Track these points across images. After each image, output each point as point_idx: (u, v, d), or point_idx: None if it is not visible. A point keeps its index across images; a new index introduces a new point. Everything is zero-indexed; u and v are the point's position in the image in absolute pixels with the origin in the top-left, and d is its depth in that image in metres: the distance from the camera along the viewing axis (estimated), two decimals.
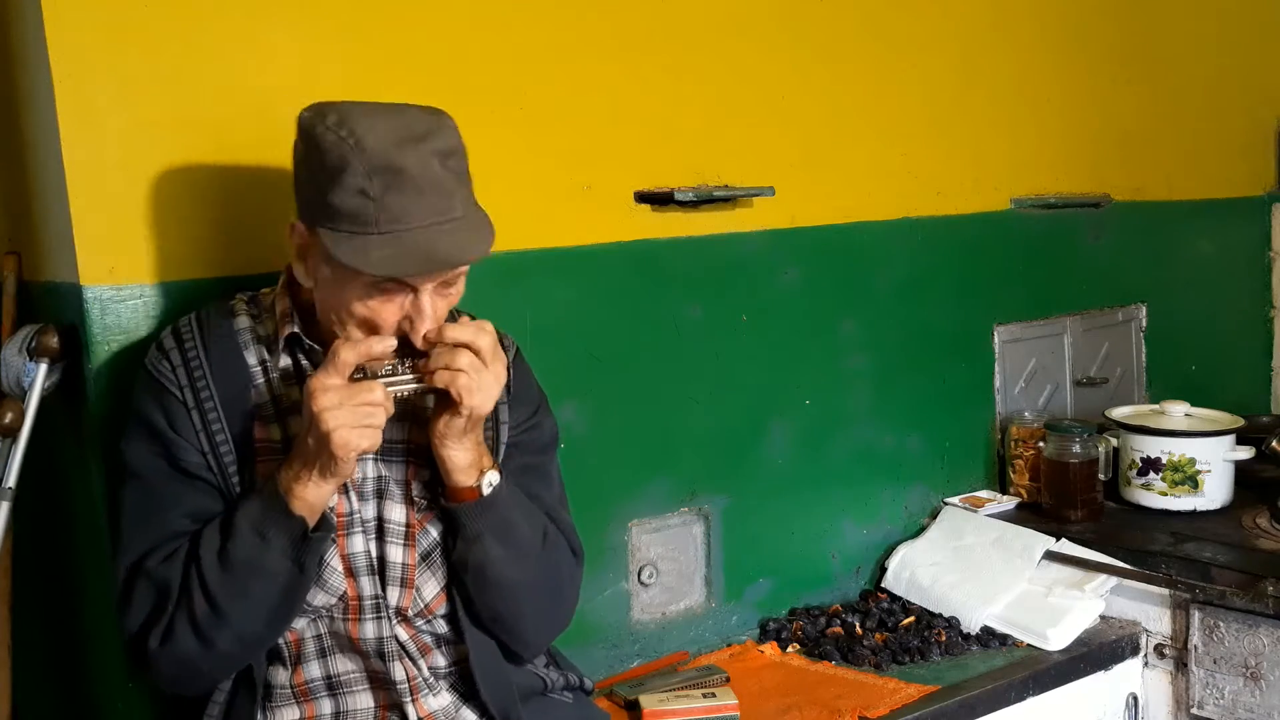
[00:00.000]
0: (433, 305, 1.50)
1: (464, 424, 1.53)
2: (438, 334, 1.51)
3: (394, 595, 1.61)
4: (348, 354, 1.46)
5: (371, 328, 1.50)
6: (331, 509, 1.56)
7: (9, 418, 1.81)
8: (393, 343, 1.49)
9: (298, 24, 1.87)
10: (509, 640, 1.69)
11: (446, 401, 1.53)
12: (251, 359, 1.62)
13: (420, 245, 1.44)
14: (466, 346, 1.50)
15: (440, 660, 1.66)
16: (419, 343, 1.50)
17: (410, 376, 1.51)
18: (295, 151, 1.52)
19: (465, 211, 1.49)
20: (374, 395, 1.46)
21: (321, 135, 1.46)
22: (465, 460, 1.56)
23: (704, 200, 2.28)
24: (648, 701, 2.07)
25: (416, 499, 1.63)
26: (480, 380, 1.51)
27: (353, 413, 1.45)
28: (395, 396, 1.50)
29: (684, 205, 2.26)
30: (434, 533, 1.63)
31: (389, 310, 1.49)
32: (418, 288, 1.48)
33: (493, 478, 1.59)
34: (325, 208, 1.46)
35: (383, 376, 1.49)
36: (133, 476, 1.59)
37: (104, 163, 1.73)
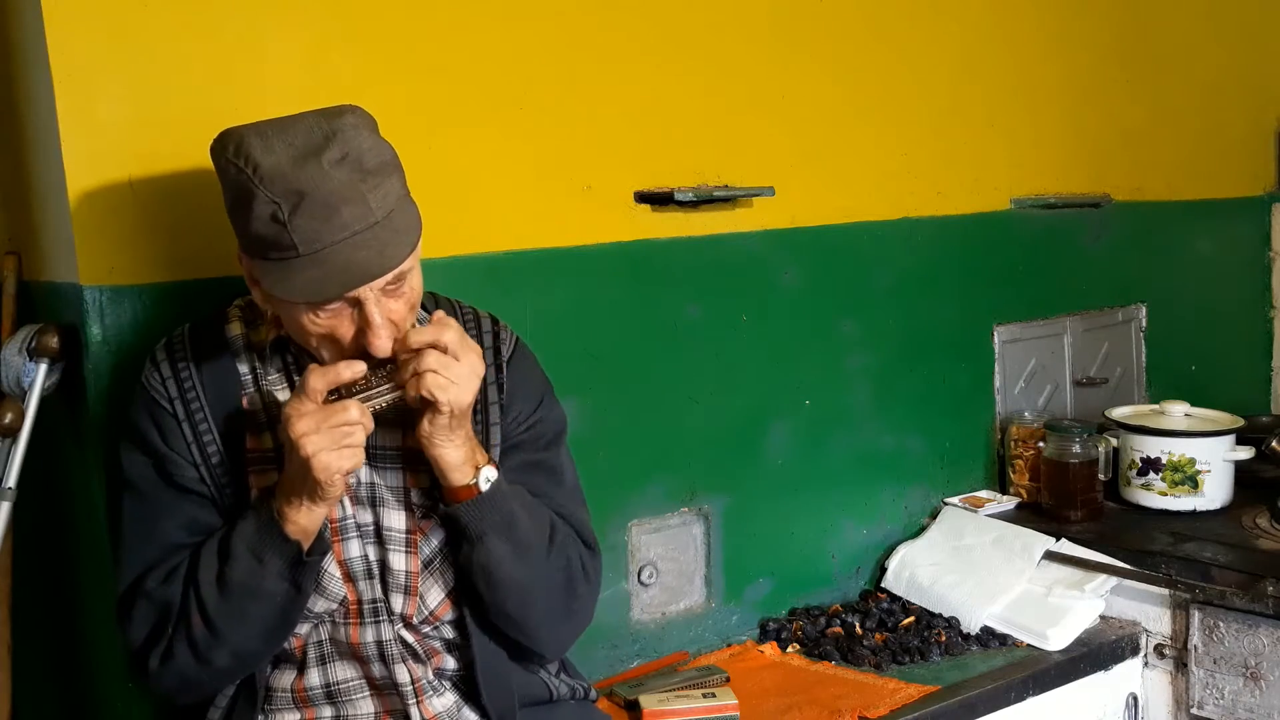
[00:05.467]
0: (383, 311, 1.46)
1: (446, 420, 1.50)
2: (401, 344, 1.48)
3: (398, 602, 1.60)
4: (316, 381, 1.44)
5: (335, 344, 1.49)
6: (325, 520, 1.55)
7: (9, 418, 1.81)
8: (361, 367, 1.46)
9: (299, 25, 1.87)
10: (525, 641, 1.66)
11: (427, 402, 1.50)
12: (243, 367, 1.61)
13: (340, 263, 1.41)
14: (432, 346, 1.48)
15: (450, 663, 1.66)
16: (375, 352, 1.46)
17: (387, 386, 1.48)
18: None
19: (386, 211, 1.44)
20: (349, 415, 1.44)
21: (225, 168, 1.45)
22: (458, 458, 1.54)
23: (704, 200, 2.28)
24: (648, 701, 2.07)
25: (416, 505, 1.61)
26: (451, 374, 1.47)
27: (330, 435, 1.43)
28: (374, 410, 1.48)
29: (684, 205, 2.26)
30: (436, 539, 1.61)
31: (341, 325, 1.47)
32: (360, 298, 1.45)
33: (489, 473, 1.56)
34: (249, 238, 1.44)
35: (358, 393, 1.47)
36: (130, 489, 1.59)
37: (104, 163, 1.73)
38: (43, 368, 1.80)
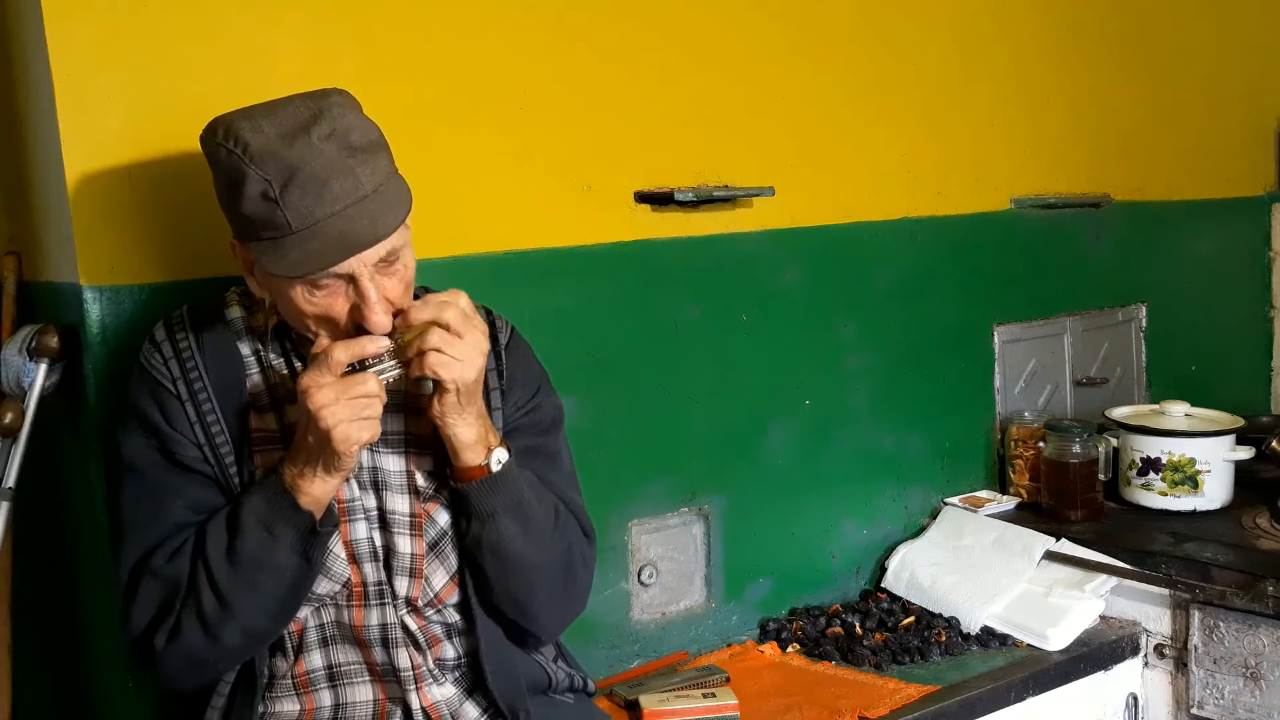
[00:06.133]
0: (377, 288, 1.47)
1: (454, 398, 1.52)
2: (403, 321, 1.50)
3: (403, 585, 1.61)
4: (341, 354, 1.45)
5: (330, 324, 1.50)
6: (333, 499, 1.56)
7: (9, 418, 1.81)
8: (386, 342, 1.48)
9: (299, 25, 1.88)
10: (524, 623, 1.68)
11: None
12: (245, 349, 1.62)
13: (332, 234, 1.43)
14: (433, 324, 1.49)
15: (450, 652, 1.66)
16: (372, 328, 1.48)
17: (394, 363, 1.50)
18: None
19: (376, 185, 1.46)
20: (368, 387, 1.46)
21: (215, 152, 1.46)
22: (471, 436, 1.55)
23: (704, 200, 2.28)
24: (648, 701, 2.07)
25: (421, 488, 1.62)
26: (455, 351, 1.49)
27: (349, 407, 1.45)
28: (387, 384, 1.49)
29: (684, 205, 2.26)
30: (441, 521, 1.62)
31: (336, 303, 1.48)
32: (354, 274, 1.46)
33: (501, 455, 1.58)
34: (241, 220, 1.46)
35: (371, 366, 1.48)
36: (131, 471, 1.59)
37: (104, 163, 1.74)
38: (43, 368, 1.80)
